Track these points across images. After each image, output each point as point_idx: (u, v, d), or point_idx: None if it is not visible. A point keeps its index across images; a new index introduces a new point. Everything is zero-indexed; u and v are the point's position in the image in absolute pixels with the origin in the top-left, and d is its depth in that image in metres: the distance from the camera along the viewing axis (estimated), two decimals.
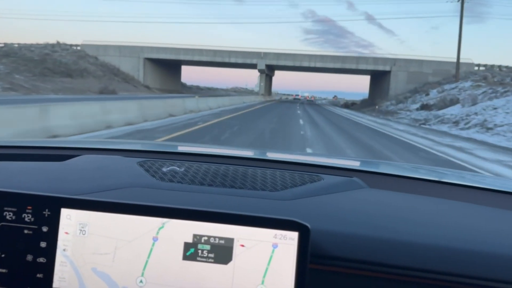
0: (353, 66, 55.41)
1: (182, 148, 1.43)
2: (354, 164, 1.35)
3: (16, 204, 0.67)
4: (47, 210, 0.66)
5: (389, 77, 52.19)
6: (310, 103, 66.54)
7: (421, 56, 55.20)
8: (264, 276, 0.62)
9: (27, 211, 0.66)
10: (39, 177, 0.91)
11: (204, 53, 59.38)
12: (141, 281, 0.64)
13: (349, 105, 66.07)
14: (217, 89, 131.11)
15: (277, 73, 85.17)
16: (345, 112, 37.63)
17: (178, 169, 0.96)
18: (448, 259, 0.67)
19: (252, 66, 61.41)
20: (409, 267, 0.67)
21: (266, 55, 59.69)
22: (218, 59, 59.68)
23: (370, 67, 54.02)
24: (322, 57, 57.98)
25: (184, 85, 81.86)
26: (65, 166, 0.99)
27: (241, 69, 70.59)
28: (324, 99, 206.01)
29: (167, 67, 64.68)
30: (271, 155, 1.33)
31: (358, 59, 56.14)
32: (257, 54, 59.99)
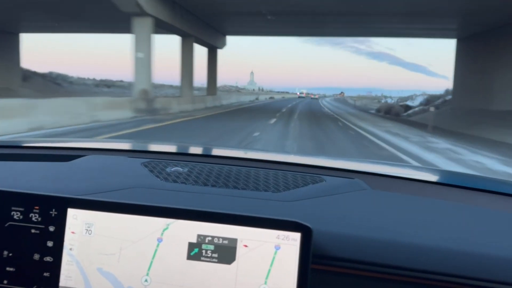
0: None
1: (185, 148, 1.44)
2: (356, 165, 1.33)
3: (24, 204, 0.68)
4: (54, 210, 0.68)
5: None
6: (310, 111, 26.30)
7: None
8: (267, 276, 0.64)
9: (35, 211, 0.68)
10: (45, 177, 0.92)
11: None
12: (146, 280, 0.65)
13: (399, 111, 25.01)
14: (166, 85, 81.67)
15: (233, 41, 43.32)
16: None
17: (182, 169, 0.98)
18: (450, 261, 0.68)
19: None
20: (411, 268, 0.68)
21: None
22: None
23: None
24: None
25: (45, 78, 39.94)
26: (71, 166, 1.01)
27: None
28: (324, 95, 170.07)
29: None
30: (274, 157, 1.34)
31: None
32: None
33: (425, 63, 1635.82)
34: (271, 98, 74.89)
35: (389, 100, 45.95)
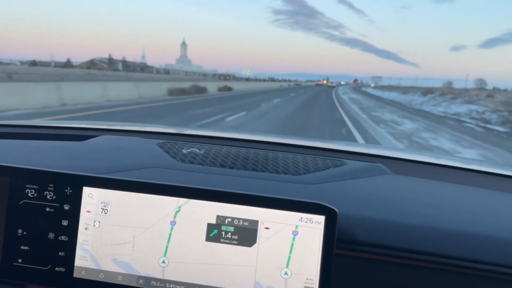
0: None
1: (201, 131, 1.42)
2: (377, 151, 1.27)
3: (38, 181, 0.67)
4: (68, 188, 0.66)
5: None
6: None
7: None
8: (288, 260, 0.62)
9: (49, 188, 0.66)
10: (58, 155, 0.91)
11: None
12: (163, 262, 0.64)
13: None
14: None
15: None
16: None
17: (198, 151, 0.96)
18: (473, 245, 0.66)
19: None
20: (437, 253, 0.66)
21: None
22: None
23: None
24: None
25: None
26: (84, 145, 0.99)
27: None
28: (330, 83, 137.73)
29: None
30: (291, 140, 1.30)
31: None
32: None
33: (395, 50, 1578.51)
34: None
35: None
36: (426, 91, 43.74)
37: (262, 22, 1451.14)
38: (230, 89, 35.90)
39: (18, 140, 1.03)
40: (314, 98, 31.29)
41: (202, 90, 27.46)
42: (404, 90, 55.89)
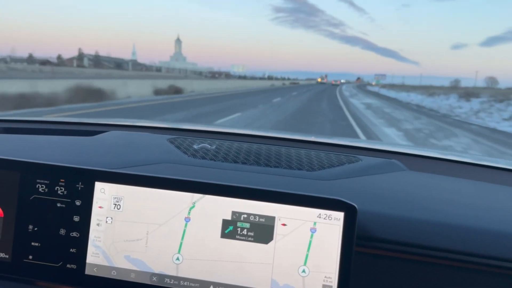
0: None
1: (210, 127, 1.40)
2: (391, 147, 1.26)
3: (49, 176, 0.65)
4: (80, 183, 0.65)
5: None
6: None
7: None
8: (306, 257, 0.60)
9: (60, 183, 0.65)
10: (68, 150, 0.90)
11: None
12: (177, 259, 0.63)
13: None
14: None
15: None
16: None
17: (210, 146, 0.95)
18: (490, 242, 0.64)
19: None
20: (454, 250, 0.64)
21: None
22: None
23: None
24: None
25: None
26: (94, 141, 0.98)
27: None
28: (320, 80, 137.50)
29: None
30: (303, 137, 1.28)
31: None
32: None
33: (397, 48, 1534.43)
34: None
35: None
36: (465, 94, 31.14)
37: (262, 19, 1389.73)
38: (178, 91, 23.16)
39: (27, 135, 1.02)
40: (310, 107, 18.52)
41: (98, 96, 14.78)
42: (429, 91, 43.56)
